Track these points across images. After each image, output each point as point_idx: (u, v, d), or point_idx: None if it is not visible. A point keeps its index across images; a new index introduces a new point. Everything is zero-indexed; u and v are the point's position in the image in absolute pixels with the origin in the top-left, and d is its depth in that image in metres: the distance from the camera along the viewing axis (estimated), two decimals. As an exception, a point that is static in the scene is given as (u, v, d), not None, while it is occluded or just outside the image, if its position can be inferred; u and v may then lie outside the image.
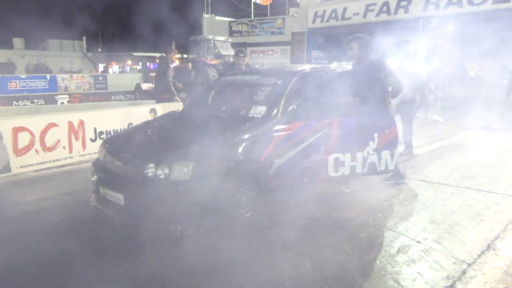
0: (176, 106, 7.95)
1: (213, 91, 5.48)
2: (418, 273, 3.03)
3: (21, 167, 5.88)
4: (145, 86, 20.73)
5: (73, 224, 4.06)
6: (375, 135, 4.66)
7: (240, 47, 6.87)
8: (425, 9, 17.07)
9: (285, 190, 4.44)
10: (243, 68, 6.37)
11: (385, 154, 4.72)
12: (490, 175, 5.56)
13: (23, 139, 5.88)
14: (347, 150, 4.55)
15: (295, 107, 4.45)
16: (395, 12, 17.96)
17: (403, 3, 17.72)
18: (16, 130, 5.79)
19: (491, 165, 6.12)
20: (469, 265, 3.13)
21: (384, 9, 18.25)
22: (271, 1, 27.09)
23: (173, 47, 19.72)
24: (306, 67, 5.27)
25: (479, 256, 3.26)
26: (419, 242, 3.53)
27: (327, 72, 5.22)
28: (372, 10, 18.61)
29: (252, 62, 23.03)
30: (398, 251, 3.38)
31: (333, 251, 3.38)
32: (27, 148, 5.92)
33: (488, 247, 3.42)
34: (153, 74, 22.73)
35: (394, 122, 4.86)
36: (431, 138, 8.23)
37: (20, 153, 5.85)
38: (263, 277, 3.01)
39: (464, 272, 3.02)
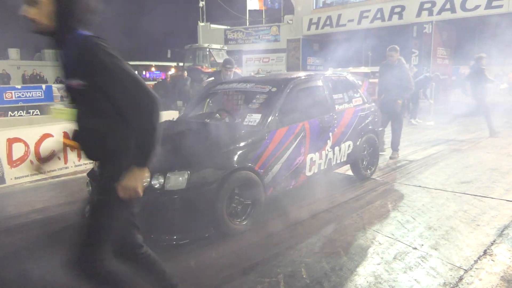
0: (171, 115, 7.94)
1: (208, 99, 5.49)
2: (415, 280, 3.01)
3: (15, 178, 5.85)
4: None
5: (68, 235, 4.02)
6: (330, 134, 5.04)
7: (227, 58, 6.88)
8: (418, 15, 17.20)
9: (280, 196, 4.46)
10: (231, 78, 6.36)
11: (337, 149, 5.20)
12: (486, 180, 5.57)
13: (18, 150, 5.85)
14: (316, 149, 4.85)
15: (286, 113, 4.53)
16: (389, 19, 18.09)
17: (397, 10, 17.86)
18: (11, 141, 5.76)
19: (487, 169, 6.14)
20: (466, 271, 3.12)
21: (378, 15, 18.38)
22: (266, 7, 27.25)
23: (169, 55, 19.81)
24: (301, 74, 5.30)
25: (476, 262, 3.26)
26: (415, 248, 3.53)
27: (321, 78, 5.30)
28: (367, 17, 18.74)
29: (248, 70, 23.17)
30: (395, 257, 3.36)
31: (330, 258, 3.37)
32: (22, 159, 5.89)
33: (485, 252, 3.41)
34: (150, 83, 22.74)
35: (340, 121, 5.25)
36: (427, 143, 8.26)
37: (14, 164, 5.82)
38: (260, 286, 2.99)
39: (461, 279, 3.01)
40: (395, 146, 7.10)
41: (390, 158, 7.01)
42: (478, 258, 3.32)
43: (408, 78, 6.95)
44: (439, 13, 16.60)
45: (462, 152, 7.56)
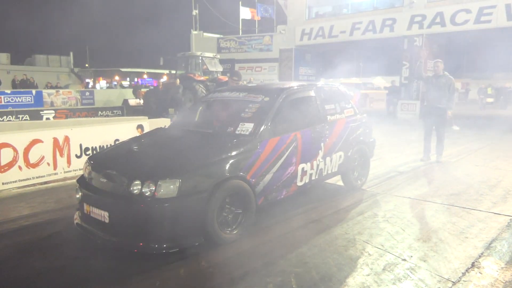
0: (163, 122, 7.93)
1: (200, 108, 5.50)
2: (404, 291, 3.03)
3: (3, 183, 5.77)
4: (132, 101, 20.67)
5: (56, 243, 3.99)
6: (322, 144, 5.06)
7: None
8: (409, 28, 17.45)
9: (271, 206, 4.45)
10: None
11: (328, 160, 5.20)
12: (474, 193, 5.63)
13: (6, 155, 5.78)
14: (308, 159, 4.87)
15: (278, 123, 4.54)
16: (381, 31, 18.32)
17: (388, 22, 18.10)
18: (-1, 146, 5.70)
19: (475, 182, 6.20)
20: (454, 283, 3.14)
21: (370, 27, 18.60)
22: (259, 18, 27.43)
23: (162, 63, 19.84)
24: (293, 84, 5.33)
25: (464, 274, 3.28)
26: (404, 260, 3.54)
27: (313, 89, 5.34)
28: (358, 28, 18.96)
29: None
30: (384, 269, 3.38)
31: (319, 268, 3.37)
32: (10, 165, 5.82)
33: (473, 265, 3.44)
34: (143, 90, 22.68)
35: (332, 132, 5.26)
36: (417, 155, 8.32)
37: (2, 170, 5.75)
38: (249, 296, 2.98)
39: (449, 290, 3.03)
40: (440, 151, 7.85)
41: (437, 161, 7.78)
42: (466, 270, 3.35)
43: (454, 88, 7.66)
44: (429, 26, 16.86)
45: (451, 164, 7.64)
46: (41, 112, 15.74)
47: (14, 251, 3.80)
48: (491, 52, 17.15)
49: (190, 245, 3.63)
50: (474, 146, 9.72)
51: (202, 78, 16.88)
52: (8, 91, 19.51)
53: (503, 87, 25.52)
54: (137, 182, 3.55)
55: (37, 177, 6.16)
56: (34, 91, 20.04)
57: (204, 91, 15.49)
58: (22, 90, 20.89)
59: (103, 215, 3.66)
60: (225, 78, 16.94)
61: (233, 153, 4.02)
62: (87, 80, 37.76)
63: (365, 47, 21.22)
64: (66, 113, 16.23)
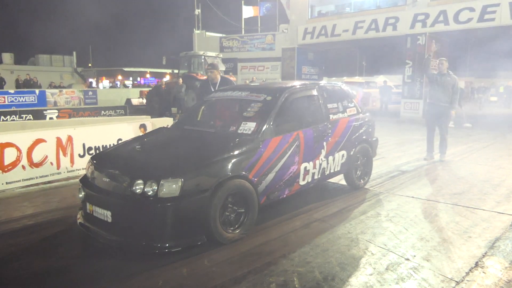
0: (166, 122, 7.94)
1: (203, 107, 5.50)
2: (407, 291, 3.02)
3: (7, 183, 5.79)
4: (135, 101, 20.71)
5: (59, 242, 3.99)
6: (324, 143, 5.05)
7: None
8: (412, 26, 17.38)
9: (273, 205, 4.45)
10: (218, 81, 6.17)
11: (330, 159, 5.19)
12: (477, 192, 5.61)
13: (10, 155, 5.79)
14: (310, 159, 4.86)
15: (281, 122, 4.54)
16: (384, 29, 18.25)
17: (391, 21, 18.03)
18: (3, 146, 5.71)
19: (478, 181, 6.18)
20: (457, 283, 3.12)
21: (373, 26, 18.54)
22: (261, 16, 27.40)
23: (164, 62, 19.81)
24: (296, 83, 5.32)
25: (467, 274, 3.27)
26: (408, 259, 3.53)
27: (315, 88, 5.33)
28: (361, 27, 18.89)
29: (243, 78, 23.22)
30: (387, 268, 3.36)
31: (322, 268, 3.36)
32: (13, 164, 5.84)
33: (476, 264, 3.43)
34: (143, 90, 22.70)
35: (334, 131, 5.23)
36: (420, 154, 8.30)
37: (6, 169, 5.77)
38: (252, 296, 2.98)
39: (452, 290, 3.02)
40: (443, 150, 7.91)
41: (440, 160, 7.80)
42: (470, 270, 3.33)
43: (457, 87, 7.71)
44: (432, 25, 16.79)
45: (454, 163, 7.62)
46: (44, 112, 15.78)
47: (17, 250, 3.81)
48: (494, 51, 17.08)
49: (192, 245, 3.63)
50: (478, 145, 9.68)
51: (204, 77, 16.90)
52: (12, 91, 19.61)
53: (508, 86, 25.45)
54: (140, 181, 3.56)
55: (40, 177, 6.17)
56: (37, 91, 20.13)
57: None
58: (25, 90, 21.00)
59: (105, 215, 3.67)
60: (228, 77, 16.94)
61: (235, 152, 4.01)
62: (90, 80, 37.90)
63: (368, 46, 21.16)
64: (69, 113, 16.26)
